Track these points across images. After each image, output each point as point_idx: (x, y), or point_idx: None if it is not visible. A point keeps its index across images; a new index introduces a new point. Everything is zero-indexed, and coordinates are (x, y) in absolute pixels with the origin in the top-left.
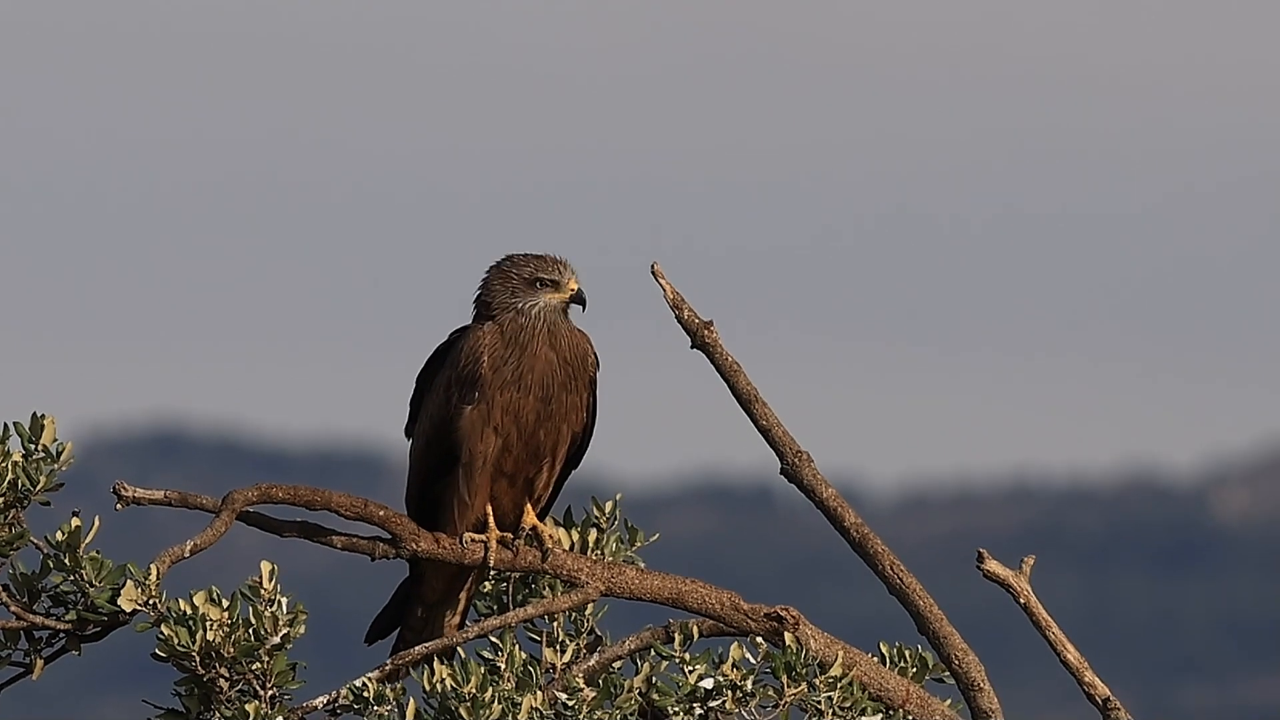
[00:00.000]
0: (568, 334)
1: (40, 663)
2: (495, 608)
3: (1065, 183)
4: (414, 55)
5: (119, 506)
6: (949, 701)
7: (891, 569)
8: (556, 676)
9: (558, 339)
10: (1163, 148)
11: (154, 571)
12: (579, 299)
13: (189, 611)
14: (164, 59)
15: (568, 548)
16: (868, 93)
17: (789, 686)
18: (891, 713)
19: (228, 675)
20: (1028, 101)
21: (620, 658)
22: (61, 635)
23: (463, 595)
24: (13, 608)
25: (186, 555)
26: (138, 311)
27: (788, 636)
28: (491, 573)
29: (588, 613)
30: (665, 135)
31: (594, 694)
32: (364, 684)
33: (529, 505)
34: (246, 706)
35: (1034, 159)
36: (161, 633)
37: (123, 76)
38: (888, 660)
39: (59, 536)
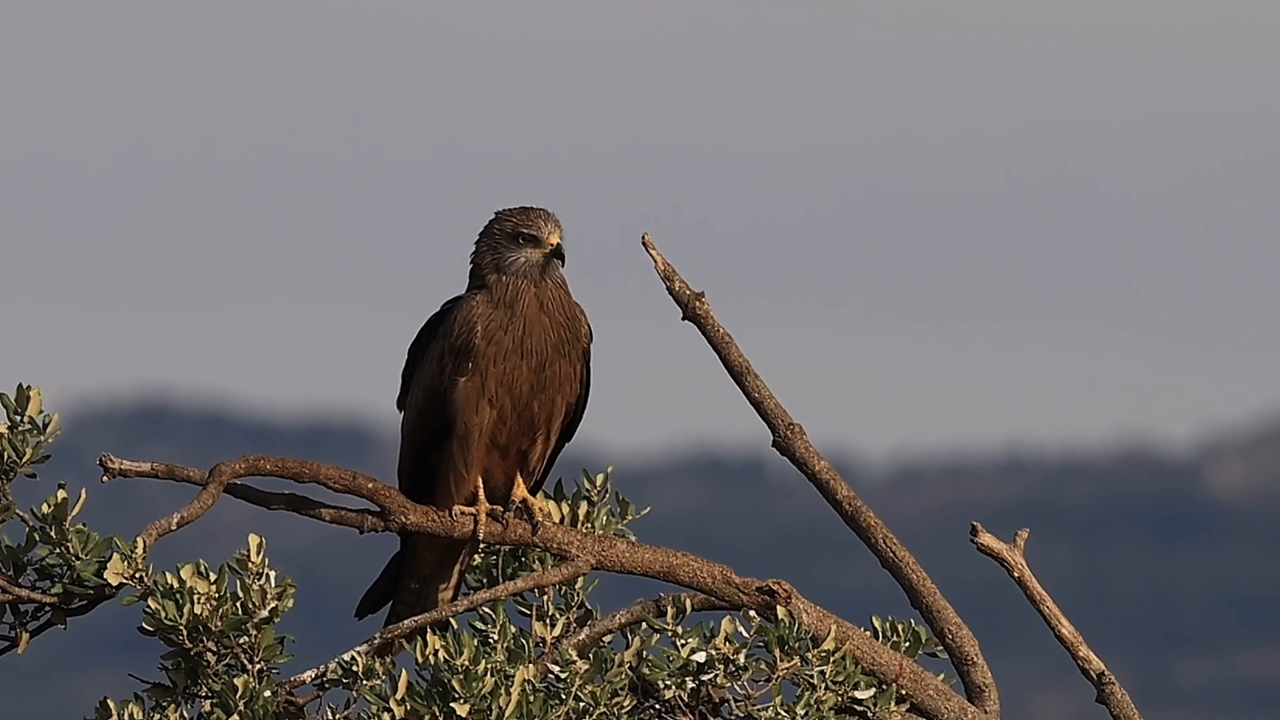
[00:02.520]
0: (556, 294)
1: (25, 636)
2: (485, 581)
3: (1059, 154)
4: (405, 21)
5: (105, 479)
6: (942, 676)
7: (884, 542)
8: (546, 650)
9: (545, 299)
10: (1158, 120)
11: (140, 544)
12: (558, 254)
13: (176, 585)
14: (154, 30)
15: (558, 521)
16: (860, 65)
17: (781, 661)
18: (884, 687)
19: (215, 649)
20: (1021, 71)
21: (611, 631)
22: (47, 609)
23: (455, 569)
24: None
25: (173, 528)
26: (125, 283)
27: (780, 610)
28: (481, 546)
29: (578, 586)
30: (660, 104)
31: (586, 667)
32: (353, 658)
33: (519, 478)
34: (234, 680)
35: (1028, 130)
36: (148, 606)
37: (114, 52)
38: (881, 634)
39: (45, 509)
